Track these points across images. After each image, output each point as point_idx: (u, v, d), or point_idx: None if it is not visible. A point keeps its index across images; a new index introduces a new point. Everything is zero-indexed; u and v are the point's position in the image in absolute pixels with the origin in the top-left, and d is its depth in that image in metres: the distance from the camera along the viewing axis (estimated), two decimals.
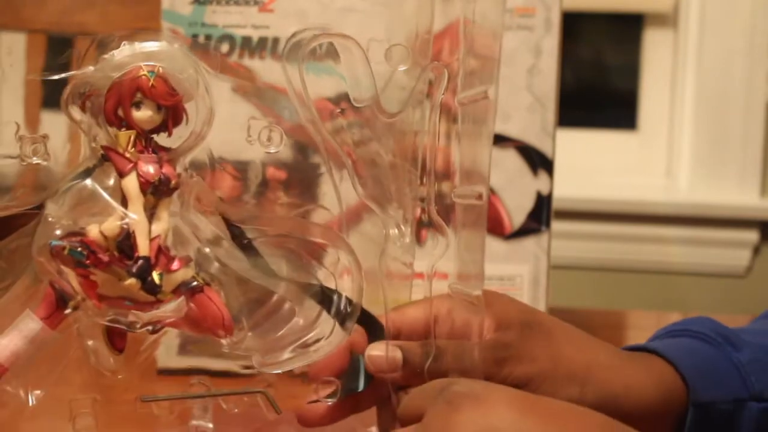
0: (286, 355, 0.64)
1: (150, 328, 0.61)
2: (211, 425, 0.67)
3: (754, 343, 0.71)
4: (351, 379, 0.65)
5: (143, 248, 0.59)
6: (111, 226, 0.59)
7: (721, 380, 0.69)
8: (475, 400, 0.55)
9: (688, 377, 0.67)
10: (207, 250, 0.62)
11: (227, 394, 0.66)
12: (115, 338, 0.62)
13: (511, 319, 0.66)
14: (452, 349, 0.64)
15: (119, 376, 0.64)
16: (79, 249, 0.59)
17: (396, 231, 0.67)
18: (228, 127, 0.63)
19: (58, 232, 0.59)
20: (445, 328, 0.66)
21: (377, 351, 0.65)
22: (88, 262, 0.59)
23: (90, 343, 0.63)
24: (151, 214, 0.60)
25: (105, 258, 0.59)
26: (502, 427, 0.54)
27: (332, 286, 0.65)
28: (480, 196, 0.64)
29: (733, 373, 0.69)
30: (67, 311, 0.60)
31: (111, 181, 0.60)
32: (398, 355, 0.64)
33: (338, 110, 0.66)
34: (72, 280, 0.59)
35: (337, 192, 0.66)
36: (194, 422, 0.66)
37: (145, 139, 0.60)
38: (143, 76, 0.59)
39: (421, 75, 0.65)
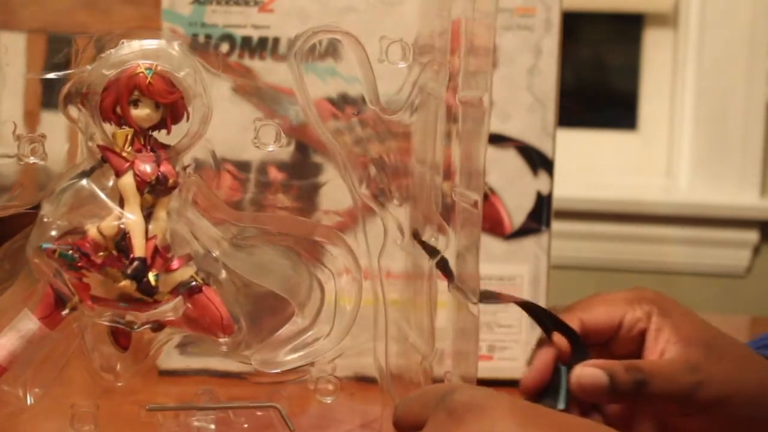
0: (286, 354, 0.64)
1: (150, 326, 0.61)
2: (213, 426, 0.67)
3: None
4: (552, 395, 0.64)
5: (139, 249, 0.59)
6: (109, 225, 0.59)
7: None
8: (477, 410, 0.55)
9: None
10: (206, 249, 0.62)
11: (238, 408, 0.66)
12: (120, 336, 0.62)
13: (692, 335, 0.66)
14: (659, 371, 0.63)
15: (119, 383, 0.64)
16: (70, 252, 0.58)
17: (397, 231, 0.67)
18: (228, 127, 0.63)
19: (53, 233, 0.59)
20: (631, 334, 0.66)
21: (584, 372, 0.63)
22: (79, 264, 0.59)
23: (91, 344, 0.63)
24: (148, 214, 0.60)
25: (98, 260, 0.59)
26: None
27: (332, 285, 0.65)
28: (475, 204, 0.64)
29: None
30: (65, 312, 0.60)
31: (111, 182, 0.60)
32: (604, 378, 0.62)
33: (355, 112, 0.67)
34: (67, 281, 0.59)
35: (352, 192, 0.66)
36: (196, 423, 0.66)
37: (143, 137, 0.60)
38: (141, 74, 0.59)
39: (421, 73, 0.65)
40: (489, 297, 0.66)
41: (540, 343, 0.67)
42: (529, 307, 0.68)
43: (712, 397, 0.63)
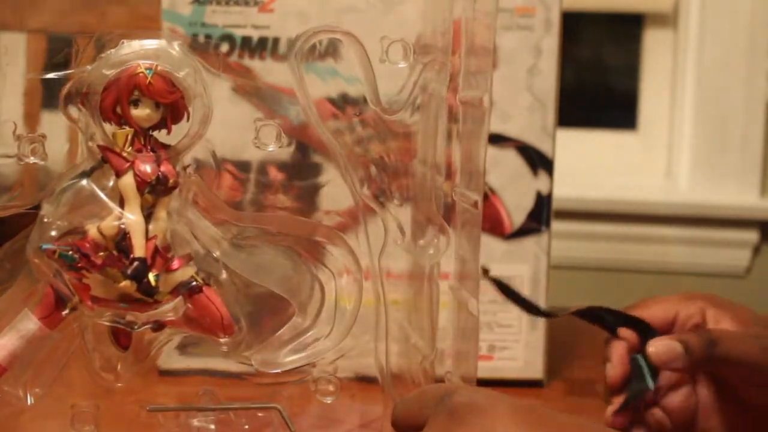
0: (286, 355, 0.64)
1: (150, 326, 0.61)
2: (213, 426, 0.66)
3: None
4: (638, 381, 0.67)
5: (139, 249, 0.59)
6: (109, 225, 0.59)
7: None
8: (477, 411, 0.55)
9: None
10: (206, 249, 0.62)
11: (239, 408, 0.66)
12: (120, 336, 0.62)
13: (748, 318, 0.70)
14: (726, 335, 0.68)
15: (119, 384, 0.64)
16: (70, 252, 0.58)
17: (398, 231, 0.67)
18: (228, 127, 0.63)
19: (53, 234, 0.59)
20: (686, 329, 0.70)
21: (658, 344, 0.67)
22: (79, 265, 0.59)
23: (91, 344, 0.63)
24: (149, 214, 0.60)
25: (98, 261, 0.59)
26: None
27: (333, 286, 0.65)
28: (475, 204, 0.64)
29: None
30: (65, 312, 0.60)
31: (111, 182, 0.60)
32: (678, 346, 0.66)
33: (356, 112, 0.67)
34: (67, 281, 0.59)
35: (352, 192, 0.66)
36: (196, 423, 0.66)
37: (144, 137, 0.60)
38: (141, 74, 0.59)
39: (422, 73, 0.65)
40: (556, 314, 0.73)
41: (608, 341, 0.70)
42: (593, 312, 0.71)
43: None
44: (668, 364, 0.67)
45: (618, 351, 0.69)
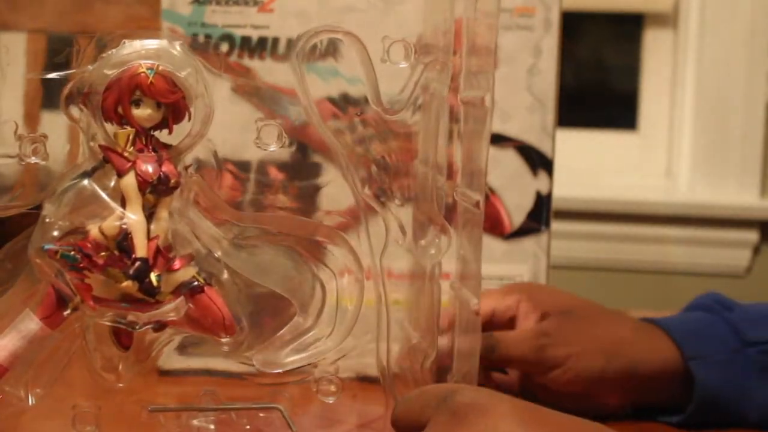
0: (287, 355, 0.64)
1: (151, 326, 0.61)
2: (213, 426, 0.66)
3: (744, 304, 0.83)
4: None
5: (141, 249, 0.59)
6: (110, 225, 0.59)
7: (713, 336, 0.80)
8: (479, 410, 0.55)
9: (678, 339, 0.79)
10: (208, 249, 0.62)
11: (240, 409, 0.66)
12: (122, 335, 0.62)
13: (552, 310, 0.79)
14: (506, 338, 0.77)
15: (120, 384, 0.63)
16: (72, 252, 0.58)
17: (399, 231, 0.67)
18: (228, 127, 0.63)
19: (55, 234, 0.59)
20: (503, 320, 0.80)
21: None
22: (81, 265, 0.58)
23: (92, 344, 0.62)
24: (150, 214, 0.60)
25: (100, 261, 0.58)
26: None
27: (334, 285, 0.65)
28: (477, 204, 0.64)
29: (725, 328, 0.80)
30: (67, 312, 0.60)
31: (112, 183, 0.60)
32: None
33: (358, 112, 0.66)
34: (69, 282, 0.59)
35: (353, 192, 0.66)
36: (196, 423, 0.66)
37: (145, 137, 0.60)
38: (142, 74, 0.59)
39: (423, 72, 0.65)
40: None
41: None
42: None
43: (560, 355, 0.76)
44: None
45: None
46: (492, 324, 0.79)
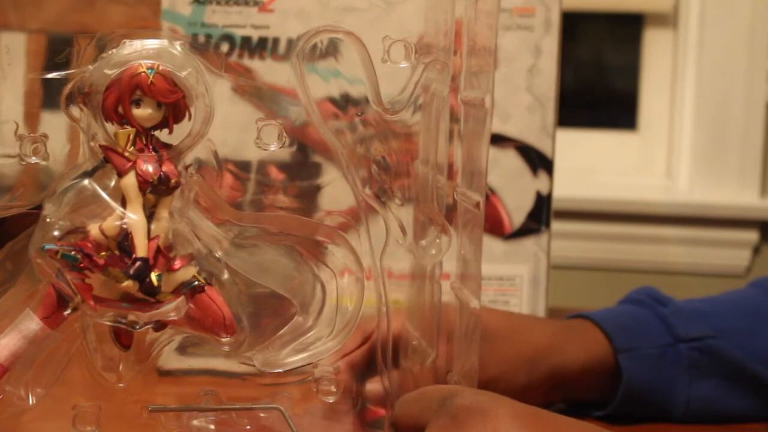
0: (288, 355, 0.64)
1: (152, 326, 0.61)
2: (212, 427, 0.66)
3: (680, 301, 0.84)
4: None
5: (141, 249, 0.59)
6: (111, 225, 0.59)
7: (645, 331, 0.80)
8: (480, 414, 0.55)
9: (609, 332, 0.79)
10: (208, 249, 0.62)
11: (241, 409, 0.66)
12: (122, 335, 0.62)
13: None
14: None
15: (120, 384, 0.63)
16: (73, 252, 0.58)
17: (399, 231, 0.67)
18: (229, 127, 0.63)
19: (56, 233, 0.59)
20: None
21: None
22: (82, 265, 0.59)
23: (93, 344, 0.63)
24: (151, 214, 0.60)
25: (100, 261, 0.58)
26: None
27: (334, 285, 0.65)
28: (477, 205, 0.64)
29: (657, 323, 0.81)
30: (67, 312, 0.60)
31: (113, 182, 0.60)
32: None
33: (358, 112, 0.66)
34: (70, 282, 0.59)
35: (354, 192, 0.66)
36: (196, 423, 0.66)
37: (145, 137, 0.60)
38: (143, 73, 0.59)
39: (424, 72, 0.65)
40: None
41: None
42: None
43: (483, 379, 0.69)
44: None
45: None
46: None
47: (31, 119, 0.62)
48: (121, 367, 0.63)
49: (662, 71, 2.05)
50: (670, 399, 0.80)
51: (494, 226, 0.93)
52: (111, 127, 0.60)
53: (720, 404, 0.80)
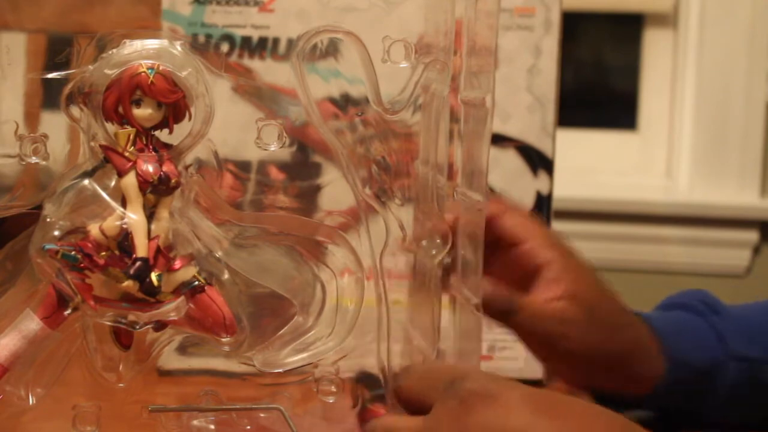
0: (288, 355, 0.64)
1: (152, 325, 0.61)
2: (212, 427, 0.66)
3: (732, 310, 0.79)
4: None
5: (141, 249, 0.59)
6: (111, 225, 0.59)
7: (697, 341, 0.77)
8: (489, 399, 0.53)
9: (664, 339, 0.76)
10: (208, 249, 0.62)
11: (241, 409, 0.66)
12: (122, 335, 0.62)
13: (578, 294, 0.73)
14: (531, 308, 0.72)
15: (120, 384, 0.63)
16: (73, 252, 0.58)
17: (399, 231, 0.67)
18: (229, 127, 0.63)
19: (56, 233, 0.59)
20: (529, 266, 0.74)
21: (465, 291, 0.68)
22: (82, 265, 0.59)
23: (93, 344, 0.62)
24: (151, 214, 0.60)
25: (101, 261, 0.58)
26: (518, 429, 0.52)
27: (334, 285, 0.65)
28: (477, 204, 0.64)
29: (710, 335, 0.77)
30: (68, 312, 0.60)
31: (113, 182, 0.60)
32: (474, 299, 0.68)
33: (358, 112, 0.66)
34: (70, 281, 0.59)
35: (354, 192, 0.66)
36: (197, 423, 0.66)
37: (145, 137, 0.60)
38: (143, 73, 0.59)
39: (424, 72, 0.65)
40: None
41: None
42: None
43: (573, 350, 0.72)
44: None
45: None
46: (493, 231, 0.73)
47: (31, 119, 0.62)
48: (121, 367, 0.63)
49: (662, 71, 2.05)
50: (704, 411, 0.78)
51: None
52: (111, 127, 0.60)
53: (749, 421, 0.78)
